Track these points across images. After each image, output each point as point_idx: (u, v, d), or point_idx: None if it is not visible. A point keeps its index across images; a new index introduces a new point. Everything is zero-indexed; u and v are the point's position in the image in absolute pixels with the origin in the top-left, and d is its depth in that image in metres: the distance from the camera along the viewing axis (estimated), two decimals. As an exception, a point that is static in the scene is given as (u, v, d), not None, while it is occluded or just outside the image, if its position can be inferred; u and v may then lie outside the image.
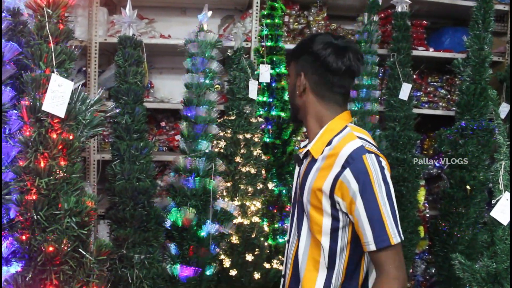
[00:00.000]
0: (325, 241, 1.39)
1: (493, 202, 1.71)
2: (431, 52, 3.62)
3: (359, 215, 1.31)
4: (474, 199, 3.16)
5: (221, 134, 2.56)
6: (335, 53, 1.40)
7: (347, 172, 1.32)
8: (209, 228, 2.29)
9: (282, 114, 3.00)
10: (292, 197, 1.57)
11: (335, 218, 1.37)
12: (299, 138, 3.52)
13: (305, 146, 1.52)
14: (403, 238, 1.33)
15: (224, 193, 2.57)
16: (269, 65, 2.82)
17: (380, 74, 3.54)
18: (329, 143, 1.41)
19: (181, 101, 3.48)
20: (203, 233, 2.27)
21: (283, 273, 1.57)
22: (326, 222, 1.38)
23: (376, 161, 1.34)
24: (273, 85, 2.94)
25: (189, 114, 2.33)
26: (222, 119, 2.62)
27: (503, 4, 3.66)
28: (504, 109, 3.47)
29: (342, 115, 1.46)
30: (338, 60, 1.41)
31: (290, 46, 3.40)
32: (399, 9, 3.13)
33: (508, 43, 3.68)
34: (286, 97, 3.02)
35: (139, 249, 2.05)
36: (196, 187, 2.31)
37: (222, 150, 2.57)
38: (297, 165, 1.55)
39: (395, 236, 1.31)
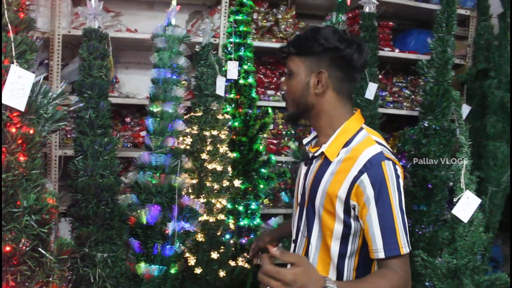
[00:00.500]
0: (335, 246, 1.39)
1: (454, 200, 1.76)
2: (397, 53, 3.70)
3: (371, 221, 1.30)
4: (435, 197, 3.24)
5: (188, 130, 2.53)
6: (358, 50, 1.41)
7: (365, 177, 1.32)
8: (174, 225, 2.26)
9: (249, 111, 2.99)
10: (297, 197, 1.55)
11: (346, 225, 1.37)
12: (265, 135, 3.53)
13: (309, 143, 1.54)
14: (410, 249, 1.33)
15: (190, 190, 2.54)
16: (237, 62, 2.80)
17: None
18: (345, 145, 1.41)
19: (147, 96, 3.44)
20: (168, 231, 2.24)
21: None
22: (338, 228, 1.38)
23: (393, 169, 1.34)
24: (241, 82, 2.93)
25: (155, 110, 2.29)
26: (188, 115, 2.59)
27: (464, 9, 3.77)
28: (465, 111, 3.57)
29: (356, 116, 1.48)
30: (361, 56, 1.42)
31: (258, 43, 3.39)
32: (367, 10, 3.17)
33: (469, 46, 3.79)
34: (254, 94, 3.02)
35: (102, 247, 2.00)
36: (162, 184, 2.27)
37: (188, 147, 2.54)
38: (303, 164, 1.53)
39: (405, 246, 1.30)
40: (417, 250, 3.20)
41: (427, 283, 1.85)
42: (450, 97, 3.21)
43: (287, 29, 3.68)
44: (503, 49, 3.18)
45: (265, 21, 3.66)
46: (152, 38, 2.32)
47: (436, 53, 3.27)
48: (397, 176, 1.34)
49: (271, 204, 3.60)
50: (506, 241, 3.67)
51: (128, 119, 3.46)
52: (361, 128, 1.45)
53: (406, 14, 4.04)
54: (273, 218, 3.15)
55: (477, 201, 1.73)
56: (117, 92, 3.47)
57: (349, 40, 1.41)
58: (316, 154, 1.46)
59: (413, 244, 3.24)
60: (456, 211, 1.73)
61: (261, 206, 3.08)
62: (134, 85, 3.63)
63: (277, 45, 3.53)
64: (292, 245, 1.55)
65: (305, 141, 1.60)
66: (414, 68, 3.61)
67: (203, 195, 2.57)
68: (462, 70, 3.77)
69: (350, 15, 3.59)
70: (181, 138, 2.48)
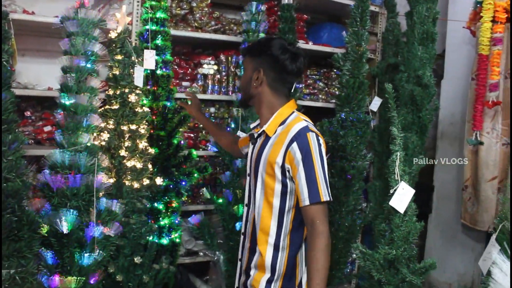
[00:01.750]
0: (276, 202, 1.81)
1: (391, 191, 1.76)
2: (311, 46, 3.72)
3: (300, 178, 1.72)
4: (353, 187, 3.33)
5: (104, 125, 2.29)
6: (291, 58, 1.84)
7: (294, 145, 1.74)
8: (93, 231, 2.03)
9: (168, 103, 2.81)
10: (248, 170, 1.96)
11: (283, 185, 1.79)
12: (183, 129, 3.36)
13: (256, 128, 1.97)
14: (331, 199, 1.76)
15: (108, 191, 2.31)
16: (154, 51, 2.61)
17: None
18: (281, 124, 1.84)
19: (49, 87, 3.09)
20: (85, 237, 2.01)
21: (242, 231, 1.97)
22: (277, 187, 1.79)
23: (316, 139, 1.78)
24: (158, 72, 2.74)
25: (67, 103, 2.03)
26: (103, 108, 2.35)
27: (374, 6, 3.90)
28: (376, 103, 3.71)
29: (289, 104, 1.90)
30: (292, 63, 1.85)
31: (173, 32, 3.21)
32: (286, 1, 3.14)
33: (379, 41, 3.94)
34: (171, 86, 2.84)
35: (9, 263, 1.73)
36: (77, 186, 2.03)
37: (104, 143, 2.31)
38: (251, 143, 1.98)
39: (325, 195, 1.72)
40: (336, 239, 3.30)
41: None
42: (365, 90, 3.30)
43: (202, 18, 3.54)
44: (411, 45, 3.33)
45: (179, 9, 3.48)
46: (62, 21, 2.06)
47: (351, 47, 3.33)
48: (319, 144, 1.78)
49: (189, 201, 3.45)
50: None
51: (28, 113, 3.09)
52: (293, 112, 1.89)
53: (318, 8, 4.09)
54: (193, 215, 3.02)
55: (411, 191, 1.76)
56: (14, 82, 3.07)
57: (287, 50, 1.84)
58: (259, 133, 1.91)
59: (333, 234, 3.30)
60: (393, 202, 1.74)
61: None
62: (33, 75, 3.25)
63: (192, 34, 3.37)
64: (245, 208, 1.97)
65: (252, 125, 2.02)
66: (329, 60, 3.68)
67: (123, 195, 2.36)
68: (372, 64, 3.90)
69: (267, 6, 3.53)
70: (95, 134, 2.24)
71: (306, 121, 1.83)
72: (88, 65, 2.06)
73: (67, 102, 2.03)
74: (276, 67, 1.84)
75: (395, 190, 1.76)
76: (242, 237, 1.97)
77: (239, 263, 2.01)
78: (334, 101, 3.83)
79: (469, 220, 3.50)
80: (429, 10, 3.28)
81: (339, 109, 3.38)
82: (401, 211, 1.75)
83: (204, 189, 2.95)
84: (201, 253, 3.45)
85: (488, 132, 3.30)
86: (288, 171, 1.76)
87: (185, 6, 3.51)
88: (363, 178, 3.40)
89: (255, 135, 1.94)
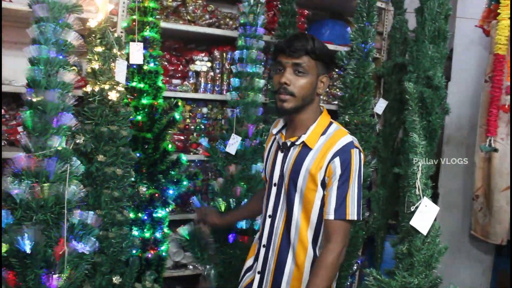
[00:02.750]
0: (314, 215, 1.75)
1: (412, 209, 1.50)
2: (313, 43, 3.45)
3: (331, 191, 1.70)
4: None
5: (79, 126, 2.02)
6: None
7: (337, 160, 1.70)
8: (63, 248, 1.75)
9: (155, 103, 2.54)
10: (270, 179, 1.87)
11: (323, 197, 1.74)
12: (172, 131, 3.10)
13: (280, 132, 1.87)
14: (360, 218, 1.71)
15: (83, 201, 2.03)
16: (142, 44, 2.33)
17: (263, 63, 3.26)
18: (322, 133, 1.76)
19: (26, 83, 2.80)
20: (54, 256, 1.73)
21: (264, 243, 1.87)
22: (317, 201, 1.74)
23: (358, 156, 1.73)
24: (145, 68, 2.46)
25: (34, 100, 1.75)
26: (80, 107, 2.07)
27: (380, 1, 3.65)
28: (382, 105, 3.46)
29: (326, 112, 1.85)
30: None
31: (164, 24, 2.95)
32: (286, -7, 2.88)
33: (384, 39, 3.69)
34: (160, 83, 2.57)
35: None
36: (45, 196, 1.75)
37: (80, 147, 2.03)
38: (280, 151, 1.84)
39: (352, 214, 1.69)
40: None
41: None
42: (371, 91, 3.05)
43: (196, 11, 3.27)
44: (420, 44, 3.08)
45: (171, 0, 3.21)
46: (30, 5, 1.78)
47: (357, 44, 3.08)
48: (360, 161, 1.74)
49: (178, 209, 3.17)
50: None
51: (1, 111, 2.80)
52: (331, 122, 1.83)
53: (320, 4, 3.85)
54: (182, 226, 2.74)
55: (435, 209, 1.50)
56: (-14, 77, 2.79)
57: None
58: (297, 143, 1.78)
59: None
60: (414, 221, 1.48)
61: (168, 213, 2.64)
62: (8, 69, 2.96)
63: (184, 27, 3.11)
64: (268, 219, 1.87)
65: (274, 130, 1.91)
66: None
67: (101, 205, 2.08)
68: (377, 64, 3.66)
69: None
70: (70, 136, 1.96)
71: (350, 135, 1.79)
72: (60, 57, 1.79)
73: (34, 99, 1.75)
74: (330, 74, 1.90)
75: (416, 208, 1.49)
76: (263, 249, 1.88)
77: (257, 275, 1.90)
78: (336, 102, 3.57)
79: (480, 232, 3.25)
80: (442, 6, 3.03)
81: (342, 111, 3.12)
82: (424, 232, 1.49)
83: (195, 197, 2.68)
84: (190, 266, 3.20)
85: (503, 138, 3.06)
86: (326, 184, 1.74)
87: (177, -3, 3.24)
88: (366, 186, 3.15)
89: (288, 144, 1.81)
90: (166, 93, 3.04)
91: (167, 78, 3.27)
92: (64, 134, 1.83)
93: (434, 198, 3.67)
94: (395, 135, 3.52)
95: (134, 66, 2.45)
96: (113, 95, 2.06)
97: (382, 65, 3.54)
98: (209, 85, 3.35)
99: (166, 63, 3.29)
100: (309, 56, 1.72)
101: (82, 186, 1.92)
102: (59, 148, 1.78)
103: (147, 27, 2.44)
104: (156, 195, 2.43)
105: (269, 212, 1.87)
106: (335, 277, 1.78)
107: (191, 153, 3.19)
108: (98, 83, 2.09)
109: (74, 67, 1.85)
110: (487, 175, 3.13)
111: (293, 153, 1.79)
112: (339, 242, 1.68)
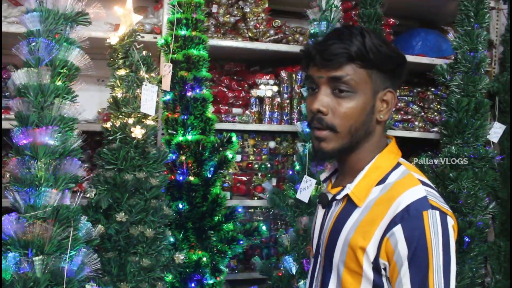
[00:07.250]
0: None
1: None
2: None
3: (400, 285, 1.02)
4: (470, 253, 2.32)
5: (93, 175, 1.52)
6: None
7: (398, 230, 1.02)
8: None
9: (203, 138, 2.01)
10: (314, 245, 1.24)
11: (377, 286, 1.07)
12: (231, 171, 2.56)
13: (328, 180, 1.25)
14: None
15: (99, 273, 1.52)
16: (171, 65, 1.83)
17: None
18: (379, 183, 1.10)
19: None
20: None
21: None
22: None
23: (440, 222, 1.02)
24: (189, 95, 1.95)
25: (23, 142, 1.28)
26: (98, 149, 1.58)
27: (487, -1, 2.91)
28: (496, 131, 2.67)
29: (391, 147, 1.15)
30: None
31: (218, 41, 2.46)
32: (368, -7, 2.27)
33: (495, 47, 2.93)
34: (209, 114, 2.05)
35: None
36: (37, 275, 1.26)
37: (92, 201, 1.53)
38: (321, 206, 1.24)
39: None
40: None
41: None
42: (486, 113, 2.32)
43: (258, 26, 2.75)
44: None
45: (228, 15, 2.72)
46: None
47: (463, 53, 2.37)
48: (447, 232, 1.02)
49: (240, 267, 2.59)
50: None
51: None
52: (399, 164, 1.13)
53: (407, 12, 3.18)
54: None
55: None
56: None
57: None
58: (338, 197, 1.15)
59: None
60: None
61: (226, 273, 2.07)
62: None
63: (242, 44, 2.60)
64: None
65: (322, 176, 1.29)
66: (427, 75, 2.73)
67: (126, 281, 1.56)
68: (488, 78, 2.89)
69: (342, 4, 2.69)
70: (77, 187, 1.48)
71: (425, 184, 1.07)
72: (58, 83, 1.31)
73: (21, 142, 1.28)
74: (398, 84, 1.17)
75: None
76: None
77: None
78: (435, 129, 2.85)
79: None
80: None
81: (446, 140, 2.41)
82: None
83: (257, 257, 2.09)
84: None
85: None
86: (385, 269, 1.05)
87: (235, 12, 2.75)
88: (485, 239, 2.39)
89: (329, 197, 1.19)
90: (223, 126, 2.53)
91: (227, 107, 2.76)
92: (66, 187, 1.35)
93: None
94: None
95: (175, 93, 1.94)
96: (137, 132, 1.55)
97: (494, 79, 2.77)
98: (276, 113, 2.79)
99: (225, 89, 2.79)
100: (356, 63, 1.07)
101: (95, 255, 1.42)
102: (55, 204, 1.29)
103: (191, 43, 1.94)
104: (204, 258, 1.86)
105: (308, 284, 1.28)
106: None
107: (255, 198, 2.62)
108: (121, 116, 1.60)
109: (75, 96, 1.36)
110: None
111: (335, 211, 1.16)
112: None
